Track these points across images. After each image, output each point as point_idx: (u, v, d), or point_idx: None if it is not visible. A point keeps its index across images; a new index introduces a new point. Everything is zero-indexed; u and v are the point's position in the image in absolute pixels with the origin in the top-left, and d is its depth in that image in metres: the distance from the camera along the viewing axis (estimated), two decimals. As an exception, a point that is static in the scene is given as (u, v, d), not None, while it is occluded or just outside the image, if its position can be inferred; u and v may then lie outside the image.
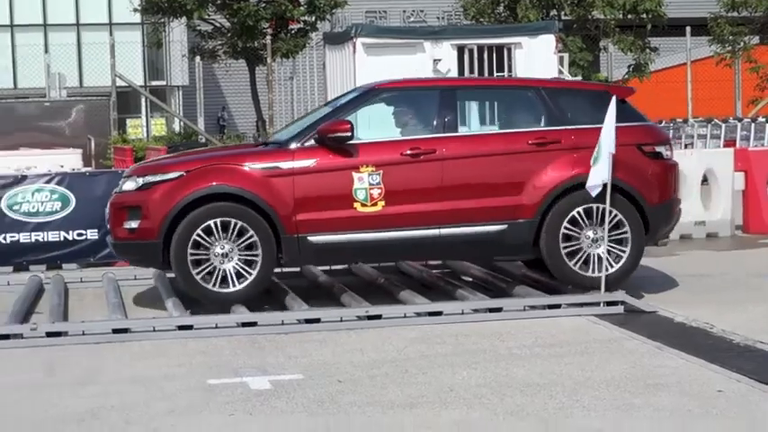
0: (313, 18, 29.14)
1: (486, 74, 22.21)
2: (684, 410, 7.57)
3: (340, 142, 11.11)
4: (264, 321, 10.51)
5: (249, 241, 10.94)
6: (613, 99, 11.08)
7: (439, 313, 10.75)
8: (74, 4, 51.83)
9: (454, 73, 22.03)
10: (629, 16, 32.02)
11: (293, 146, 11.25)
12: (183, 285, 11.25)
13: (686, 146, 25.97)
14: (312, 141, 11.20)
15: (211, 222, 10.90)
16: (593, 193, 10.96)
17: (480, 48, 22.44)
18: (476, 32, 25.00)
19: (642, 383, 8.25)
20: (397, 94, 12.10)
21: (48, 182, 14.10)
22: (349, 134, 11.08)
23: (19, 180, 14.09)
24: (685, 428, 7.22)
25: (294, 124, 12.51)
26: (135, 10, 32.29)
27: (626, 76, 32.11)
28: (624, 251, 11.34)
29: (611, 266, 11.25)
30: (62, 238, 13.84)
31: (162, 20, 30.30)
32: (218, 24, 29.23)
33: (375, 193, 11.13)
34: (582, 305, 11.00)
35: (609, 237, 11.18)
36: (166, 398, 8.17)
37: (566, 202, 11.29)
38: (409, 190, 11.22)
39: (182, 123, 32.16)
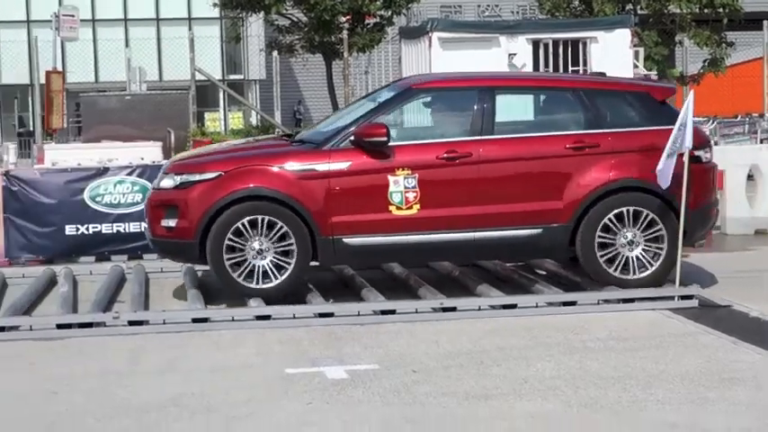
0: (389, 13, 29.15)
1: (561, 68, 22.09)
2: (761, 405, 7.52)
3: (376, 146, 11.05)
4: (341, 312, 10.58)
5: (285, 242, 10.96)
6: (691, 94, 11.00)
7: (513, 306, 10.76)
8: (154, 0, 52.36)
9: (529, 67, 21.93)
10: (706, 11, 31.64)
11: (329, 147, 11.18)
12: (219, 281, 11.31)
13: (762, 140, 25.64)
14: (348, 143, 11.15)
15: (245, 221, 10.93)
16: (663, 186, 10.87)
17: (555, 42, 22.30)
18: (551, 27, 24.87)
19: (717, 378, 8.21)
20: (434, 93, 11.99)
21: (129, 174, 14.30)
22: (384, 138, 10.99)
23: (101, 172, 14.29)
24: (761, 423, 7.17)
25: (330, 120, 12.43)
26: (214, 5, 32.51)
27: (701, 71, 31.77)
28: (661, 252, 11.27)
29: (650, 266, 11.24)
30: (143, 229, 13.99)
31: (240, 15, 30.43)
32: (295, 19, 29.35)
33: (410, 196, 11.08)
34: (655, 299, 10.94)
35: (645, 237, 11.20)
36: (245, 386, 8.26)
37: (602, 207, 11.21)
38: (445, 193, 11.15)
39: (259, 116, 32.34)
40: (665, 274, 11.31)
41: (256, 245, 10.96)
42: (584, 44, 22.29)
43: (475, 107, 11.39)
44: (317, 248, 11.05)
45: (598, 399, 7.71)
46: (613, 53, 22.07)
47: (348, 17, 27.59)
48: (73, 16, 29.38)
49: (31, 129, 36.92)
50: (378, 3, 28.87)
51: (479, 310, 10.75)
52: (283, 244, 10.98)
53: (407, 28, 27.13)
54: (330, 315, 10.53)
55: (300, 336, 9.93)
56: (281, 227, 10.94)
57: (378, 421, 7.30)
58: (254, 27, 37.59)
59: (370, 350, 9.31)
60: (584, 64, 22.38)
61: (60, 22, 28.85)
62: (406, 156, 11.13)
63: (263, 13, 30.06)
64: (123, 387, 8.30)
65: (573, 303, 10.88)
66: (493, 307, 10.78)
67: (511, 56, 21.95)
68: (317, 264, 11.38)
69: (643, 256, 11.26)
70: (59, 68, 29.54)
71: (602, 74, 13.23)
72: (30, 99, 42.71)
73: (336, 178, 11.04)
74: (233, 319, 10.45)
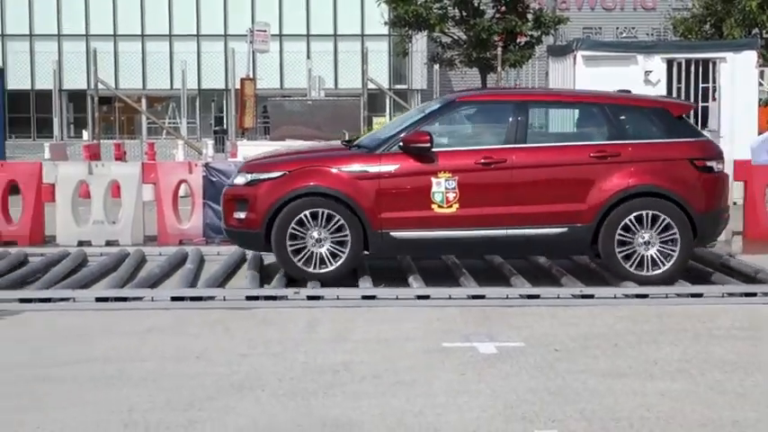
0: (538, 33, 28.93)
1: (692, 85, 21.64)
2: None
3: (421, 152, 11.08)
4: (492, 295, 10.53)
5: (340, 234, 11.07)
6: None
7: (645, 296, 10.57)
8: (332, 17, 52.87)
9: (663, 83, 21.52)
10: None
11: (380, 151, 11.24)
12: (281, 265, 11.37)
13: None
14: (396, 148, 11.18)
15: (308, 213, 11.05)
16: (755, 161, 10.69)
17: (688, 61, 21.83)
18: (684, 47, 24.40)
19: (833, 368, 7.93)
20: (475, 106, 12.05)
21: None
22: (428, 145, 11.04)
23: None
24: None
25: (385, 128, 12.43)
26: (385, 23, 32.71)
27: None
28: (674, 251, 11.06)
29: (664, 264, 11.06)
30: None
31: (408, 32, 30.51)
32: (455, 37, 29.33)
33: (451, 196, 11.08)
34: (776, 295, 10.64)
35: (660, 238, 11.06)
36: (407, 356, 8.28)
37: (621, 209, 11.06)
38: (481, 194, 11.13)
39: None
40: (678, 272, 11.17)
41: (315, 234, 11.05)
42: (714, 64, 21.75)
43: (510, 119, 11.39)
44: (368, 240, 11.14)
45: (722, 382, 7.51)
46: (740, 72, 21.51)
47: (502, 36, 27.42)
48: (265, 31, 29.91)
49: (226, 127, 37.75)
50: (529, 24, 28.67)
51: (615, 298, 10.59)
52: (339, 235, 11.07)
53: (555, 46, 26.84)
54: (482, 297, 10.49)
55: (455, 315, 9.91)
56: (339, 219, 11.04)
57: (524, 392, 7.25)
58: (419, 43, 37.68)
59: (517, 330, 9.24)
60: (713, 81, 21.86)
61: (254, 36, 29.38)
62: (447, 160, 11.16)
63: (427, 31, 30.13)
64: (302, 352, 8.39)
65: (699, 295, 10.64)
66: (627, 296, 10.61)
67: (647, 73, 21.56)
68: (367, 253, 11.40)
69: (657, 256, 11.10)
70: (251, 76, 30.05)
71: (627, 91, 13.03)
72: (225, 102, 43.55)
73: (386, 179, 11.12)
74: (397, 298, 10.49)
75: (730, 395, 7.21)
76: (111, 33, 51.36)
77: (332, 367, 7.92)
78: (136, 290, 10.75)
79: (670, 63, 21.85)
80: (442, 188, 11.09)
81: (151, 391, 7.31)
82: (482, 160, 11.16)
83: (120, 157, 24.77)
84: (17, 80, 43.69)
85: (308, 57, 44.88)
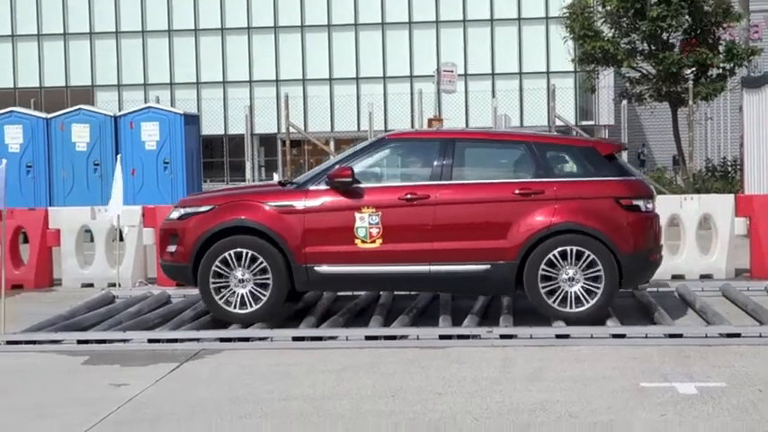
0: (731, 65, 28.24)
1: None
2: None
3: (344, 186, 11.18)
4: (689, 333, 10.32)
5: (264, 276, 11.24)
6: None
7: None
8: (517, 56, 52.95)
9: None
10: None
11: (308, 187, 11.39)
12: (205, 304, 11.65)
13: None
14: (323, 184, 11.28)
15: (232, 252, 11.27)
16: None
17: None
18: None
19: None
20: (404, 143, 12.06)
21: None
22: (350, 179, 11.15)
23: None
24: None
25: (321, 165, 12.51)
26: (572, 60, 32.54)
27: None
28: (598, 290, 10.95)
29: (587, 302, 10.92)
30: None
31: (595, 68, 30.25)
32: (644, 71, 28.91)
33: (374, 231, 11.14)
34: None
35: (584, 275, 10.93)
36: (604, 396, 8.18)
37: (544, 247, 10.98)
38: (404, 230, 11.15)
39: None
40: (602, 309, 11.03)
41: (239, 273, 11.26)
42: None
43: (436, 156, 11.38)
44: (293, 275, 11.24)
45: None
46: None
47: (693, 69, 26.87)
48: (452, 71, 30.17)
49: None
50: (721, 56, 28.01)
51: (819, 337, 10.20)
52: (263, 277, 11.26)
53: (750, 78, 26.15)
54: (679, 336, 10.27)
55: (652, 353, 9.73)
56: (261, 261, 11.22)
57: (727, 434, 7.08)
58: (606, 79, 37.32)
59: (717, 369, 9.01)
60: None
61: (440, 76, 29.67)
62: (371, 196, 11.24)
63: (614, 67, 29.82)
64: (497, 392, 8.40)
65: None
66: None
67: None
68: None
69: (581, 293, 10.93)
70: (439, 116, 30.34)
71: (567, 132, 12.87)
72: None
73: (311, 214, 11.24)
74: (591, 337, 10.38)
75: None
76: (301, 78, 52.73)
77: (528, 407, 7.89)
78: (331, 329, 10.97)
79: None
80: (366, 223, 11.17)
81: (348, 428, 7.44)
82: (406, 196, 11.21)
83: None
84: (211, 126, 45.24)
85: (494, 95, 45.02)
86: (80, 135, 23.60)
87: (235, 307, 11.35)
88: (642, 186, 11.57)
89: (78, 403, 8.35)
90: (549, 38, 50.85)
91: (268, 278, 11.26)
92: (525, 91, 50.94)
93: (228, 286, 11.34)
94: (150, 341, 10.69)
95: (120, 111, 26.96)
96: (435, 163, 11.42)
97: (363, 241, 11.20)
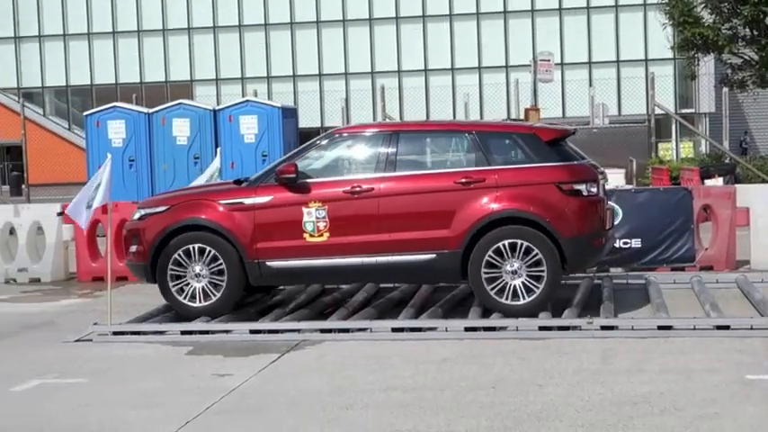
0: (836, 49, 27.54)
1: None
2: None
3: (290, 182, 11.32)
4: (795, 326, 10.13)
5: (215, 264, 11.47)
6: None
7: None
8: (614, 44, 52.31)
9: None
10: None
11: (258, 184, 11.57)
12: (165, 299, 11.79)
13: None
14: (272, 180, 11.44)
15: (191, 247, 11.52)
16: None
17: None
18: None
19: None
20: (351, 138, 11.97)
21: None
22: (293, 176, 11.30)
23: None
24: None
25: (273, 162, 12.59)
26: (671, 48, 32.05)
27: None
28: (543, 273, 10.96)
29: (536, 289, 10.89)
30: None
31: (695, 55, 29.72)
32: (746, 57, 28.35)
33: (321, 225, 11.30)
34: None
35: (526, 264, 10.94)
36: (708, 388, 8.07)
37: (491, 236, 10.97)
38: (350, 223, 11.26)
39: (707, 146, 31.47)
40: (545, 300, 11.01)
41: (197, 268, 11.49)
42: None
43: (380, 149, 11.51)
44: (246, 270, 11.40)
45: None
46: None
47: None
48: (548, 61, 29.96)
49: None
50: (825, 40, 27.36)
51: None
52: (219, 275, 11.46)
53: None
54: (786, 328, 10.09)
55: (757, 346, 9.56)
56: (210, 251, 11.43)
57: (837, 428, 6.92)
58: (707, 65, 36.67)
59: (825, 362, 8.83)
60: None
61: (537, 66, 29.48)
62: (318, 190, 11.38)
63: (715, 53, 29.30)
64: (599, 383, 8.33)
65: None
66: None
67: None
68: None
69: (527, 281, 10.88)
70: (536, 106, 30.15)
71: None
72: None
73: (260, 210, 11.42)
74: (694, 328, 10.24)
75: None
76: (396, 70, 52.81)
77: (631, 399, 7.82)
78: (430, 320, 10.99)
79: None
80: (313, 218, 11.31)
81: (450, 419, 7.46)
82: (350, 189, 11.30)
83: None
84: (308, 119, 45.54)
85: (591, 84, 44.53)
86: (181, 129, 23.94)
87: (192, 300, 11.58)
88: (585, 170, 11.47)
89: (184, 393, 8.51)
90: (648, 25, 50.12)
91: (223, 275, 11.51)
92: (623, 79, 50.33)
93: (187, 281, 11.56)
94: (252, 332, 10.86)
95: (218, 105, 27.29)
96: (380, 156, 11.54)
97: (311, 235, 11.38)
